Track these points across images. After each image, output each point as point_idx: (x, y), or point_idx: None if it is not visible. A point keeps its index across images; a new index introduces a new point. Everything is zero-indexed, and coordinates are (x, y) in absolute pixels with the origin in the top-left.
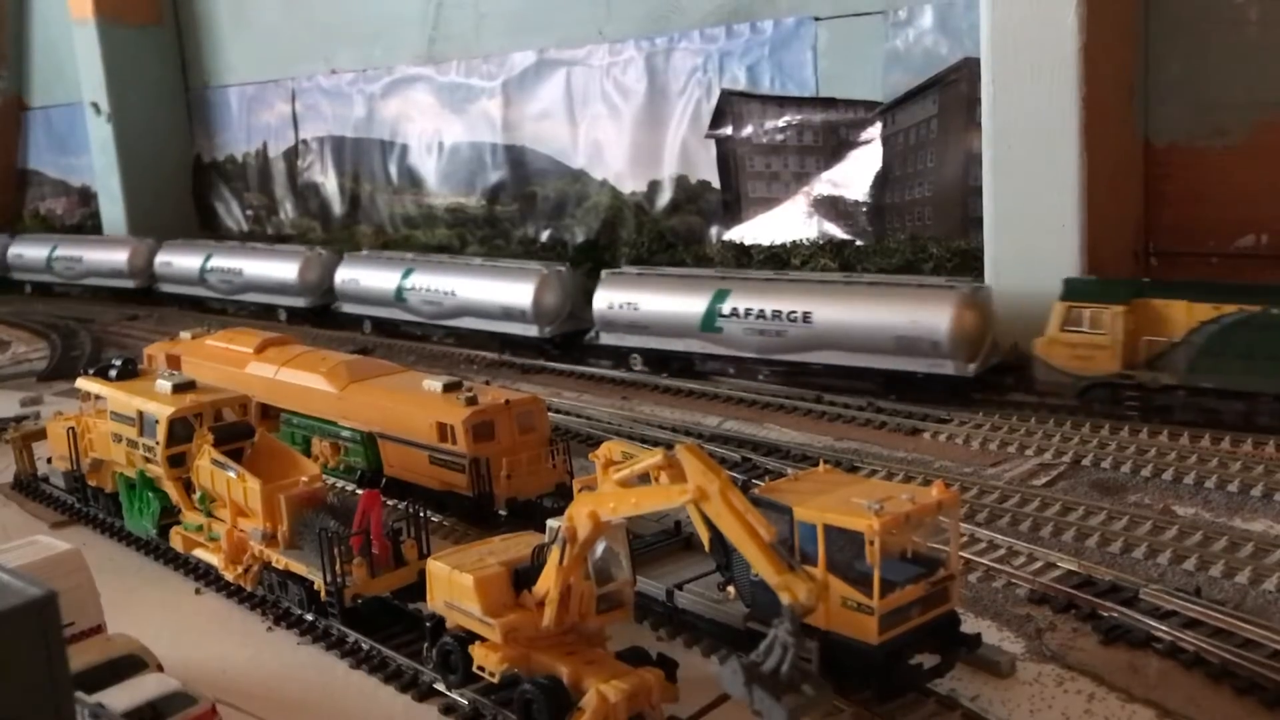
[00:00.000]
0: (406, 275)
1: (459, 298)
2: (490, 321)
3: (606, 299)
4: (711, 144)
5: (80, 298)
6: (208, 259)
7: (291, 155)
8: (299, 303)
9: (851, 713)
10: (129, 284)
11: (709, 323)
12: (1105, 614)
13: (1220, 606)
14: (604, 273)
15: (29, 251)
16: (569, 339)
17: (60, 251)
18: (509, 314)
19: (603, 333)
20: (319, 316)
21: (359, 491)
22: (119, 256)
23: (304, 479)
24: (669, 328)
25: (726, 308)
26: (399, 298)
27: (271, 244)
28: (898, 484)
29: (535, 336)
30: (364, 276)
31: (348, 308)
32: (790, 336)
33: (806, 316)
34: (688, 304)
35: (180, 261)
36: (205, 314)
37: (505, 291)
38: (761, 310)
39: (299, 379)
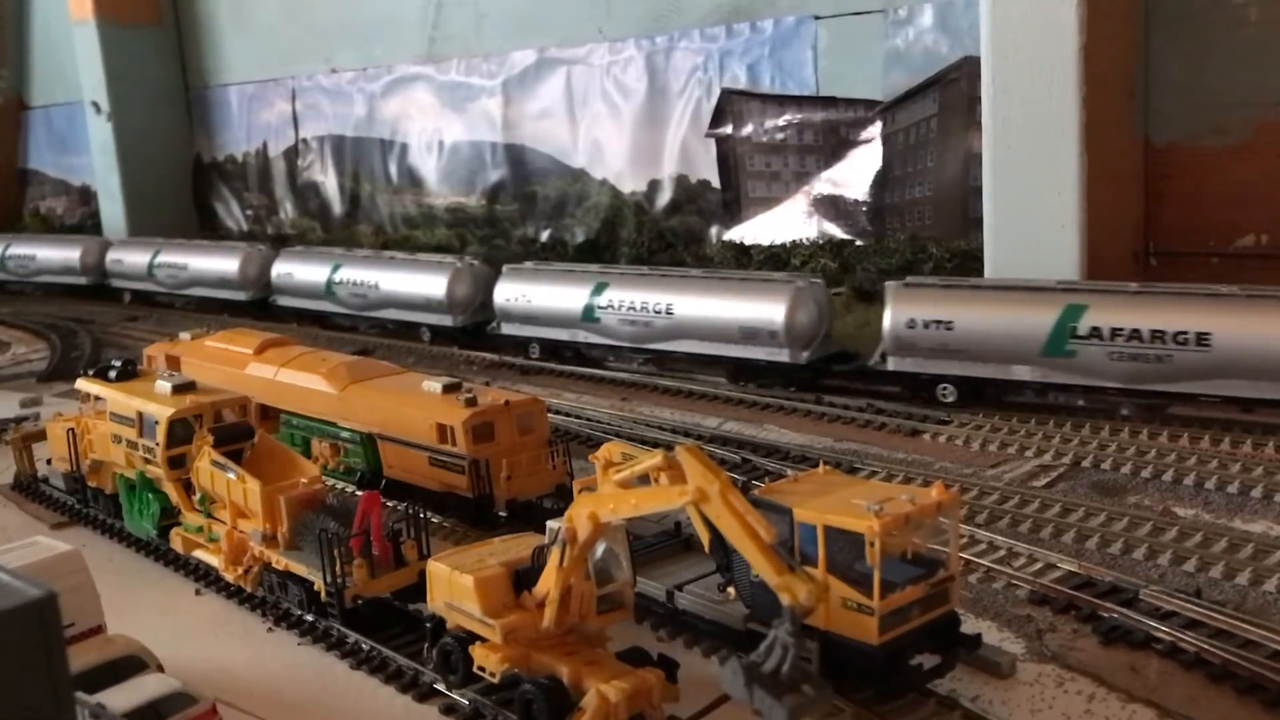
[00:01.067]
0: (598, 291)
1: (677, 316)
2: (723, 345)
3: (905, 315)
4: (711, 143)
5: (185, 309)
6: (336, 269)
7: (291, 155)
8: (446, 321)
9: (852, 713)
10: (240, 295)
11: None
12: (1105, 615)
13: (1220, 607)
14: (891, 285)
15: (129, 257)
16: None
17: (163, 258)
18: (752, 336)
19: (894, 357)
20: (471, 336)
21: (359, 493)
22: (229, 265)
23: (304, 480)
24: (992, 351)
25: None
26: (589, 317)
27: (413, 253)
28: (897, 485)
29: (787, 362)
30: (535, 294)
31: (509, 328)
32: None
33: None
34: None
35: (303, 272)
36: (331, 331)
37: (747, 310)
38: None
39: (299, 380)
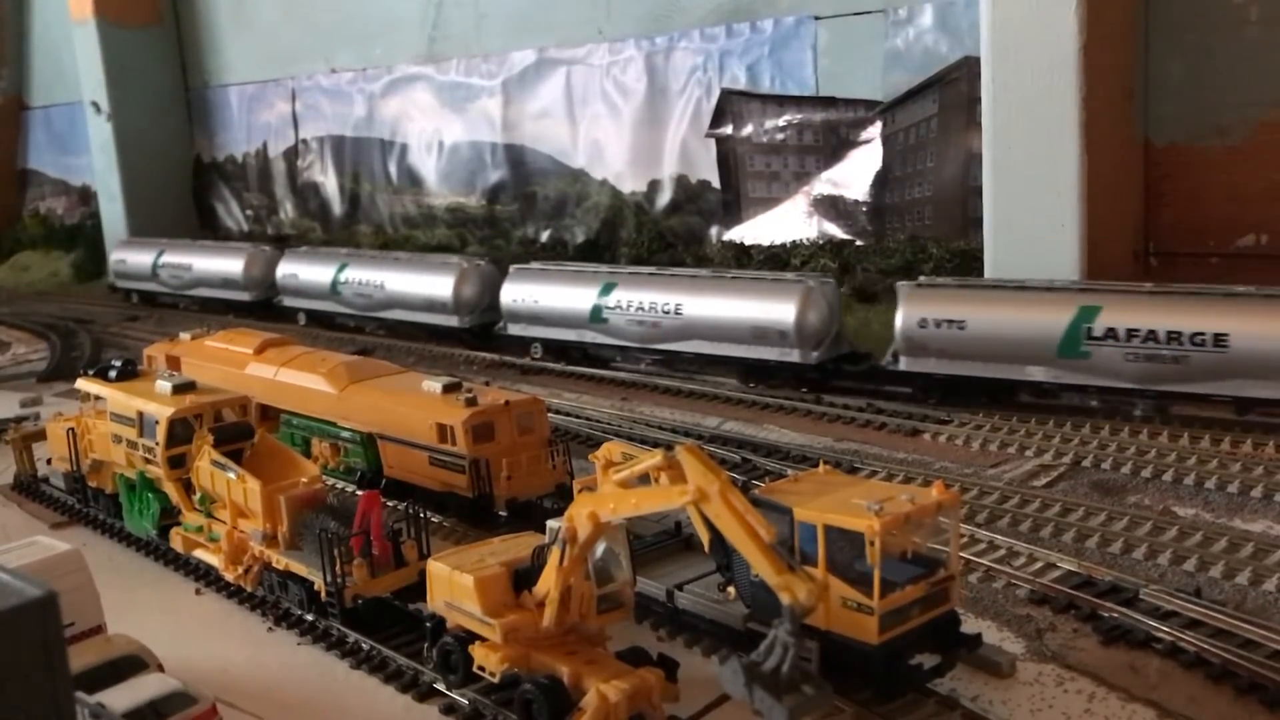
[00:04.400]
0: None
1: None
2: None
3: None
4: (711, 143)
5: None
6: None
7: (291, 155)
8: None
9: (851, 713)
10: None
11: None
12: (1105, 614)
13: (1220, 607)
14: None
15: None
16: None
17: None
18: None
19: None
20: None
21: (359, 492)
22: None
23: (304, 480)
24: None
25: None
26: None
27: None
28: (898, 485)
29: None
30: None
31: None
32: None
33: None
34: None
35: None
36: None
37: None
38: None
39: (299, 380)
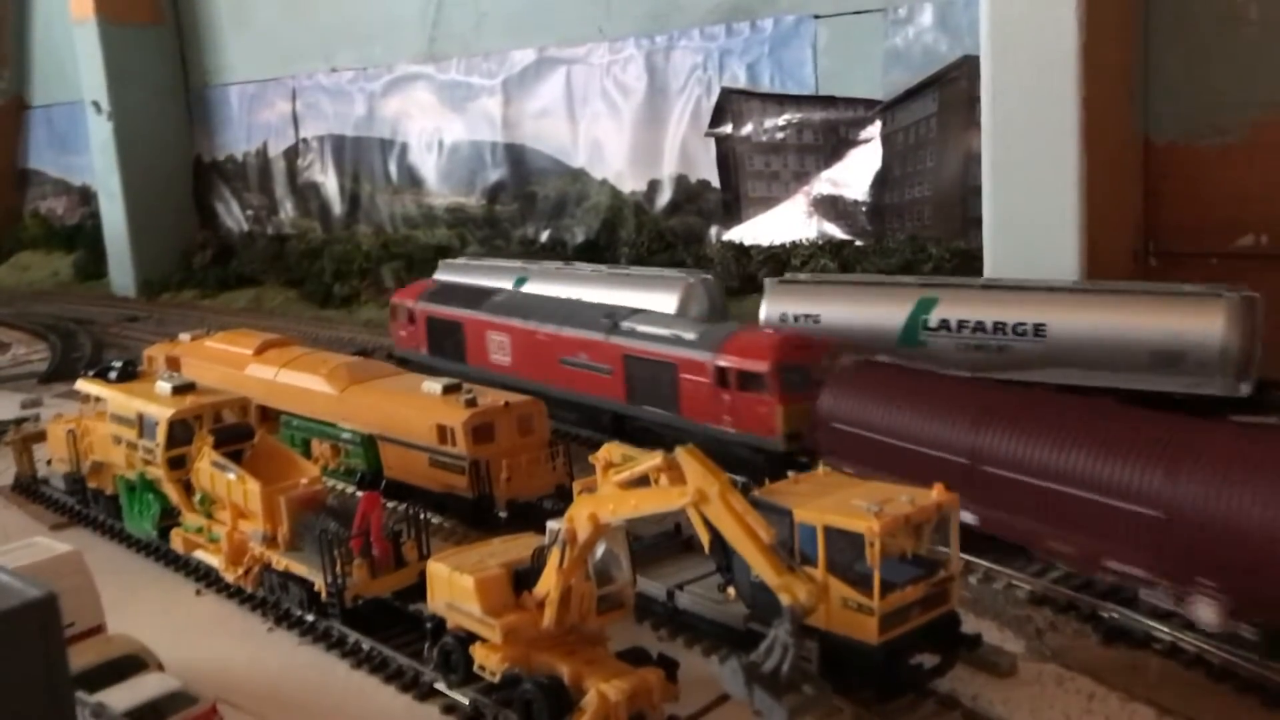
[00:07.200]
0: None
1: None
2: None
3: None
4: (711, 143)
5: None
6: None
7: (292, 154)
8: None
9: (852, 712)
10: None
11: None
12: (1105, 614)
13: None
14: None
15: None
16: None
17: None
18: None
19: None
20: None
21: (359, 493)
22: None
23: (304, 481)
24: None
25: None
26: None
27: None
28: (897, 486)
29: None
30: None
31: None
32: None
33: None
34: None
35: None
36: None
37: None
38: None
39: (299, 380)
